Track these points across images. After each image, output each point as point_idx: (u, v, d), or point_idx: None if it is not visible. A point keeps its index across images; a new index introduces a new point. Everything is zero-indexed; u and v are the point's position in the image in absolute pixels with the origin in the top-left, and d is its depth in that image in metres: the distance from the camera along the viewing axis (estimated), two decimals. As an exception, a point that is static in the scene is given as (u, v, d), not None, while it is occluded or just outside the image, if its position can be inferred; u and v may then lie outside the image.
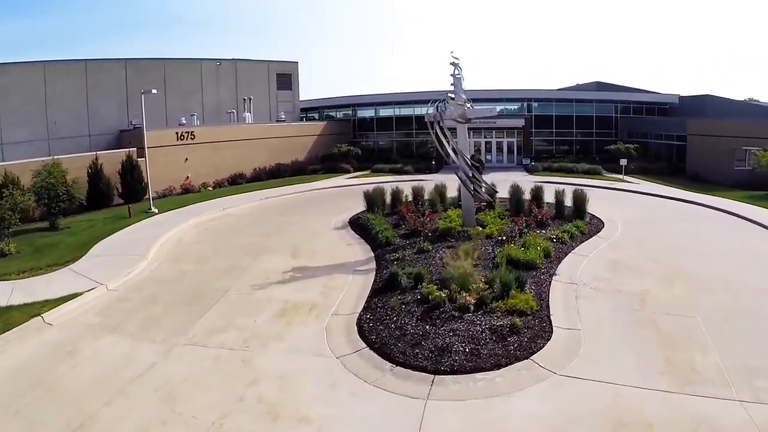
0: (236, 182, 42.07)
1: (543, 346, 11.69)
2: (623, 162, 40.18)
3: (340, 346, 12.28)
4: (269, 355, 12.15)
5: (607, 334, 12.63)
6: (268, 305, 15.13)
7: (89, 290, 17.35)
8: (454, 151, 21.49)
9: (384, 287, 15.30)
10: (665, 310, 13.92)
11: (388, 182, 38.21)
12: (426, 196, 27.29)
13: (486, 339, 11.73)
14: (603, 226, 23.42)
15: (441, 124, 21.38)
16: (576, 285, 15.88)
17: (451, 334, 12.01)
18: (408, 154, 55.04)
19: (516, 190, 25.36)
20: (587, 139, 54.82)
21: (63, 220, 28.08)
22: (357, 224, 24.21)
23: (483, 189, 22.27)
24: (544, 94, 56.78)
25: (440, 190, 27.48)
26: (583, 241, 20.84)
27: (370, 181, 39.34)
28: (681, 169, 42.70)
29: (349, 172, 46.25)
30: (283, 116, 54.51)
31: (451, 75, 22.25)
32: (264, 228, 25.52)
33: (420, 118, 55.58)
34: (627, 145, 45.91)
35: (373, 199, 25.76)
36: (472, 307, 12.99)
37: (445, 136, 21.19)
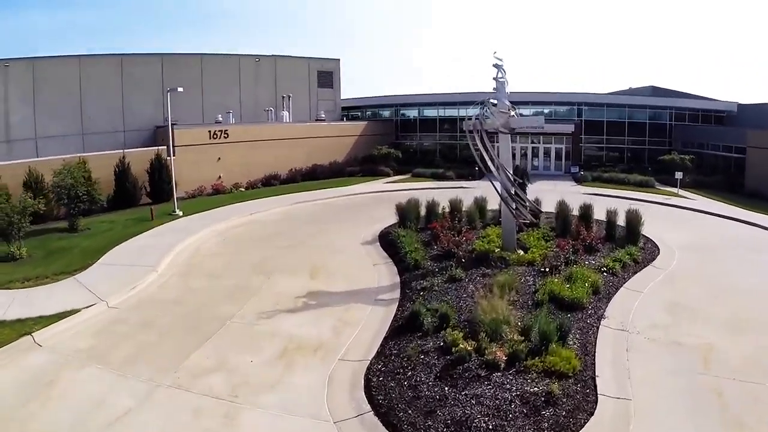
0: (270, 183, 40.88)
1: (584, 425, 9.53)
2: (678, 175, 36.98)
3: (340, 407, 10.39)
4: (257, 411, 10.39)
5: (663, 407, 10.29)
6: (269, 341, 13.43)
7: (88, 307, 16.22)
8: (494, 163, 19.28)
9: (404, 326, 13.36)
10: (732, 374, 11.46)
11: (426, 189, 36.67)
12: (464, 208, 25.20)
13: (515, 412, 9.62)
14: (658, 253, 20.82)
15: (482, 134, 19.23)
16: (628, 332, 13.56)
17: (473, 401, 9.95)
18: (451, 158, 52.90)
19: (563, 208, 22.95)
20: (639, 147, 51.69)
21: (84, 220, 27.43)
22: (387, 239, 22.34)
23: (526, 208, 20.00)
24: (595, 98, 53.73)
25: (480, 203, 25.32)
26: (636, 272, 18.39)
27: (408, 188, 37.67)
28: (739, 184, 39.01)
29: (388, 175, 44.48)
30: (323, 115, 53.16)
31: (494, 78, 20.07)
32: (287, 239, 23.96)
33: (463, 119, 53.63)
34: (682, 156, 42.91)
35: (405, 212, 23.79)
36: (502, 365, 10.89)
37: (486, 148, 19.02)
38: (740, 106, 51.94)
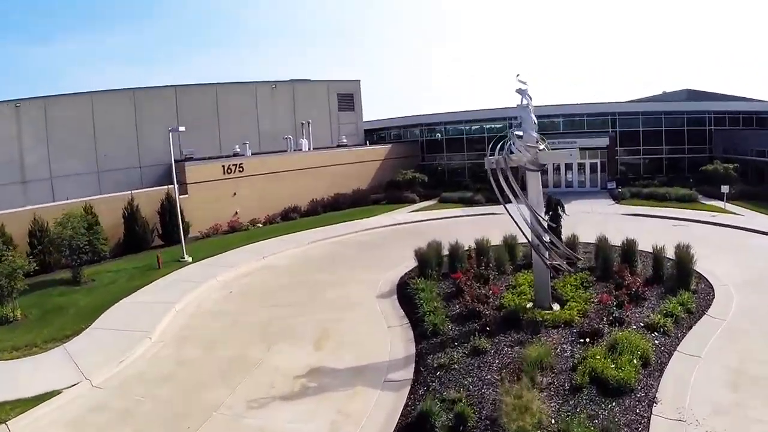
0: (289, 217, 39.47)
1: None
2: (725, 189, 34.85)
3: None
4: None
5: None
6: (254, 446, 11.60)
7: (70, 387, 14.85)
8: (521, 201, 17.06)
9: (413, 427, 11.35)
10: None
11: (453, 217, 35.24)
12: (492, 244, 23.04)
13: None
14: (713, 295, 18.17)
15: (506, 173, 17.13)
16: (686, 424, 11.22)
17: None
18: (481, 177, 50.83)
19: (603, 247, 20.70)
20: (677, 156, 49.52)
21: (90, 269, 26.46)
22: (405, 291, 20.33)
23: (560, 254, 17.74)
24: (630, 107, 52.16)
25: (509, 243, 23.10)
26: (690, 326, 15.86)
27: (433, 216, 36.19)
28: None
29: (414, 202, 42.68)
30: (345, 140, 51.71)
31: (518, 106, 18.06)
32: (297, 293, 22.16)
33: (491, 139, 51.57)
34: (725, 166, 40.39)
35: (425, 258, 21.76)
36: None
37: (513, 190, 16.89)
38: None
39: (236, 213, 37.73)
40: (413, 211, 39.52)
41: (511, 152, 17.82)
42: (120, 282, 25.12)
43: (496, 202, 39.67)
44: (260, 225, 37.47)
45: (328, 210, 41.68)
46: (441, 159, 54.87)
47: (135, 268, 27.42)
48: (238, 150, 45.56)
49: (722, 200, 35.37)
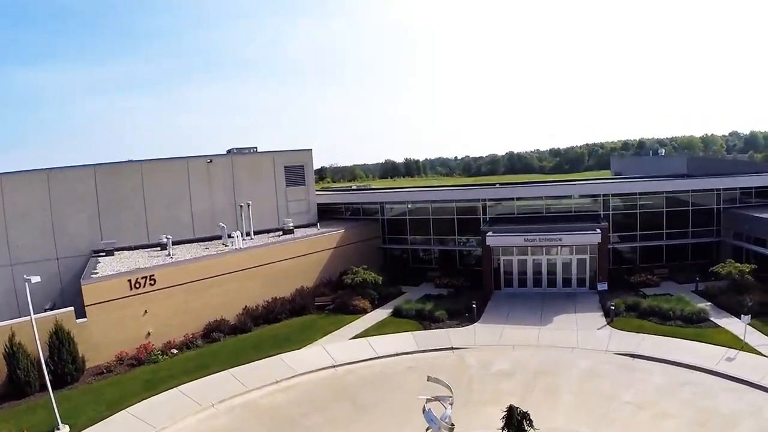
0: (212, 337, 36.28)
1: None
2: (745, 320, 31.16)
3: None
4: None
5: None
6: None
7: None
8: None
9: None
10: None
11: (400, 355, 32.31)
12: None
13: None
14: None
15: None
16: None
17: None
18: (449, 269, 48.89)
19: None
20: (680, 243, 47.49)
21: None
22: None
23: None
24: (625, 187, 49.96)
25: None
26: None
27: (376, 354, 32.76)
28: None
29: (364, 312, 39.75)
30: (291, 223, 49.02)
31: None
32: None
33: (464, 222, 49.63)
34: (740, 269, 37.15)
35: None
36: None
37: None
38: None
39: (148, 334, 34.71)
40: (357, 335, 35.94)
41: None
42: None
43: (462, 316, 37.94)
44: (175, 351, 34.44)
45: (261, 322, 38.53)
46: (405, 243, 52.66)
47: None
48: (164, 240, 43.07)
49: (738, 316, 32.50)
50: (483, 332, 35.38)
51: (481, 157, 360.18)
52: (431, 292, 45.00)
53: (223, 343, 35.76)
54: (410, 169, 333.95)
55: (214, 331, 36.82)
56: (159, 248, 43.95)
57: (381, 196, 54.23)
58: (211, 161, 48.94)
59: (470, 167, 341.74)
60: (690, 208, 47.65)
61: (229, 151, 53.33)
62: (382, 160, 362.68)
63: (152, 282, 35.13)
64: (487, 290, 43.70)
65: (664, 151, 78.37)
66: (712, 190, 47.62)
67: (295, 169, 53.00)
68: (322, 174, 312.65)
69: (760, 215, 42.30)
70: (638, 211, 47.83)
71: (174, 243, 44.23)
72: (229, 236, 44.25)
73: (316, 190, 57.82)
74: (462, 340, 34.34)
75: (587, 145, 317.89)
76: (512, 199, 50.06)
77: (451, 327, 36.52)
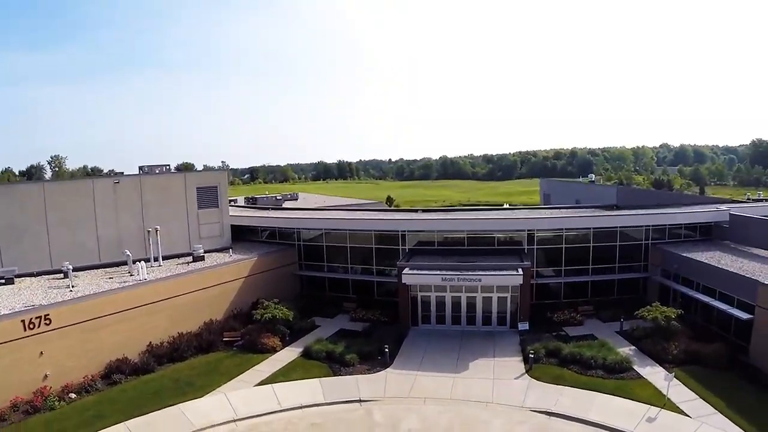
0: (113, 377, 36.34)
1: None
2: (668, 378, 31.84)
3: None
4: None
5: None
6: None
7: None
8: None
9: None
10: None
11: (308, 408, 32.94)
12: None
13: None
14: None
15: None
16: None
17: None
18: (367, 300, 50.19)
19: None
20: (606, 279, 49.12)
21: None
22: None
23: None
24: (550, 222, 50.46)
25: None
26: None
27: (279, 407, 33.00)
28: (743, 350, 35.79)
29: (274, 351, 40.15)
30: (201, 249, 49.10)
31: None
32: None
33: (382, 251, 50.84)
34: (666, 314, 37.75)
35: None
36: None
37: None
38: (733, 216, 49.09)
39: (46, 376, 34.43)
40: (263, 381, 36.07)
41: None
42: None
43: (374, 359, 38.77)
44: (73, 396, 34.27)
45: (165, 361, 38.49)
46: (322, 270, 53.58)
47: None
48: (70, 267, 42.31)
49: (662, 364, 34.38)
50: (394, 381, 35.77)
51: (414, 161, 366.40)
52: (346, 326, 45.86)
53: (123, 386, 35.75)
54: (343, 170, 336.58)
55: (115, 372, 36.73)
56: (63, 275, 43.35)
57: (297, 222, 54.52)
58: (118, 182, 48.51)
59: (403, 171, 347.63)
60: (617, 243, 49.01)
61: (140, 168, 52.81)
62: (315, 161, 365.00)
63: (48, 322, 34.77)
64: (404, 326, 44.46)
65: (594, 176, 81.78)
66: (641, 226, 49.37)
67: (208, 191, 53.07)
68: (254, 174, 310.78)
69: (690, 255, 43.91)
70: (564, 245, 48.99)
71: (78, 269, 43.88)
72: (135, 262, 44.11)
73: (239, 201, 56.94)
74: (371, 390, 34.73)
75: (520, 152, 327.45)
76: (433, 231, 51.17)
77: (362, 373, 37.02)
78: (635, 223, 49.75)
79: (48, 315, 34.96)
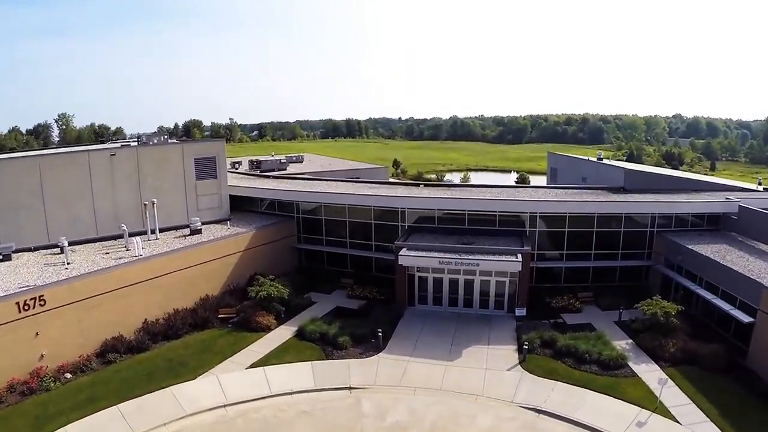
0: (107, 356, 36.95)
1: None
2: (661, 381, 31.60)
3: None
4: None
5: None
6: None
7: None
8: None
9: None
10: None
11: (298, 394, 33.45)
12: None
13: None
14: None
15: None
16: None
17: None
18: (365, 276, 50.63)
19: None
20: (608, 265, 48.55)
21: None
22: None
23: None
24: (554, 206, 49.10)
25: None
26: None
27: (271, 392, 33.53)
28: (741, 353, 35.21)
29: (268, 329, 40.80)
30: (199, 222, 49.29)
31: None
32: None
33: (381, 227, 50.79)
34: (666, 310, 37.18)
35: None
36: None
37: None
38: (743, 208, 47.32)
39: (42, 356, 35.08)
40: (255, 363, 36.68)
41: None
42: None
43: (369, 341, 39.05)
44: (68, 376, 34.90)
45: (160, 339, 39.19)
46: (320, 243, 53.80)
47: None
48: (65, 243, 42.52)
49: (657, 363, 34.26)
50: (386, 367, 36.19)
51: (425, 119, 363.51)
52: (342, 303, 46.35)
53: (118, 366, 36.41)
54: (351, 129, 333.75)
55: (110, 351, 37.45)
56: (59, 250, 43.64)
57: (296, 195, 54.46)
58: (114, 154, 48.38)
59: (413, 130, 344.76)
60: (622, 229, 48.22)
61: (138, 138, 52.55)
62: (324, 118, 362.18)
63: (42, 303, 35.21)
64: (400, 306, 44.81)
65: (603, 154, 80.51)
66: (645, 214, 48.42)
67: (206, 161, 52.96)
68: (262, 131, 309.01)
69: (695, 248, 42.91)
70: (566, 229, 48.44)
71: (75, 243, 44.35)
72: (132, 236, 44.54)
73: (244, 163, 55.32)
74: (363, 376, 35.19)
75: (531, 116, 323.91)
76: (433, 210, 50.81)
77: (354, 357, 37.48)
78: (641, 211, 48.76)
79: (42, 296, 35.32)
